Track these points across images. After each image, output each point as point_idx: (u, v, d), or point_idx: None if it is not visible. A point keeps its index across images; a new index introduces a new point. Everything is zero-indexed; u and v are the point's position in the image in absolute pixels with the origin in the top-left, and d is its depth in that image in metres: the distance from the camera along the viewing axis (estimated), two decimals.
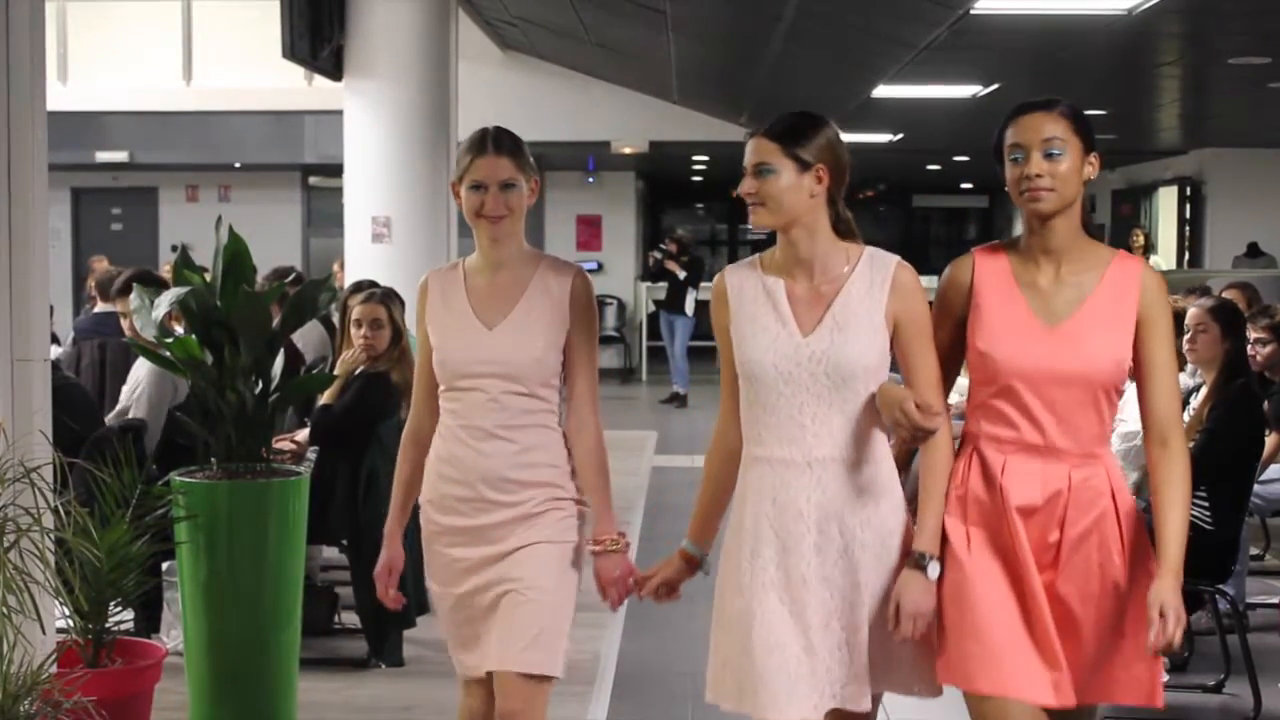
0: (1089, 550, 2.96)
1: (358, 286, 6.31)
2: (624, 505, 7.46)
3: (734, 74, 12.67)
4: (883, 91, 11.20)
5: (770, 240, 3.11)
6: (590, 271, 9.60)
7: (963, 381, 3.15)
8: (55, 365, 5.14)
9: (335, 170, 10.24)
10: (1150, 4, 7.25)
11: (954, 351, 3.09)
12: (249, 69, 14.90)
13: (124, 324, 6.32)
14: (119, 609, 4.26)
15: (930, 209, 26.87)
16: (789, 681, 2.91)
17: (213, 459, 4.65)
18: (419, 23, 9.42)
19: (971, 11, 7.50)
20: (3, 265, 4.15)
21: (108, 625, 4.14)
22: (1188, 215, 17.55)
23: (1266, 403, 5.78)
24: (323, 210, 17.13)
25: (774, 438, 2.99)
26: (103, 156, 15.98)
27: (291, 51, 9.13)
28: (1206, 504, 4.94)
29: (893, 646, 2.97)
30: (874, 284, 2.99)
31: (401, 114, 9.37)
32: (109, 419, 5.96)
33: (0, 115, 4.15)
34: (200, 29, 15.69)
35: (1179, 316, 5.01)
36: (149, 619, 5.46)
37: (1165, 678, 3.10)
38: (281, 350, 4.86)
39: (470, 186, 3.29)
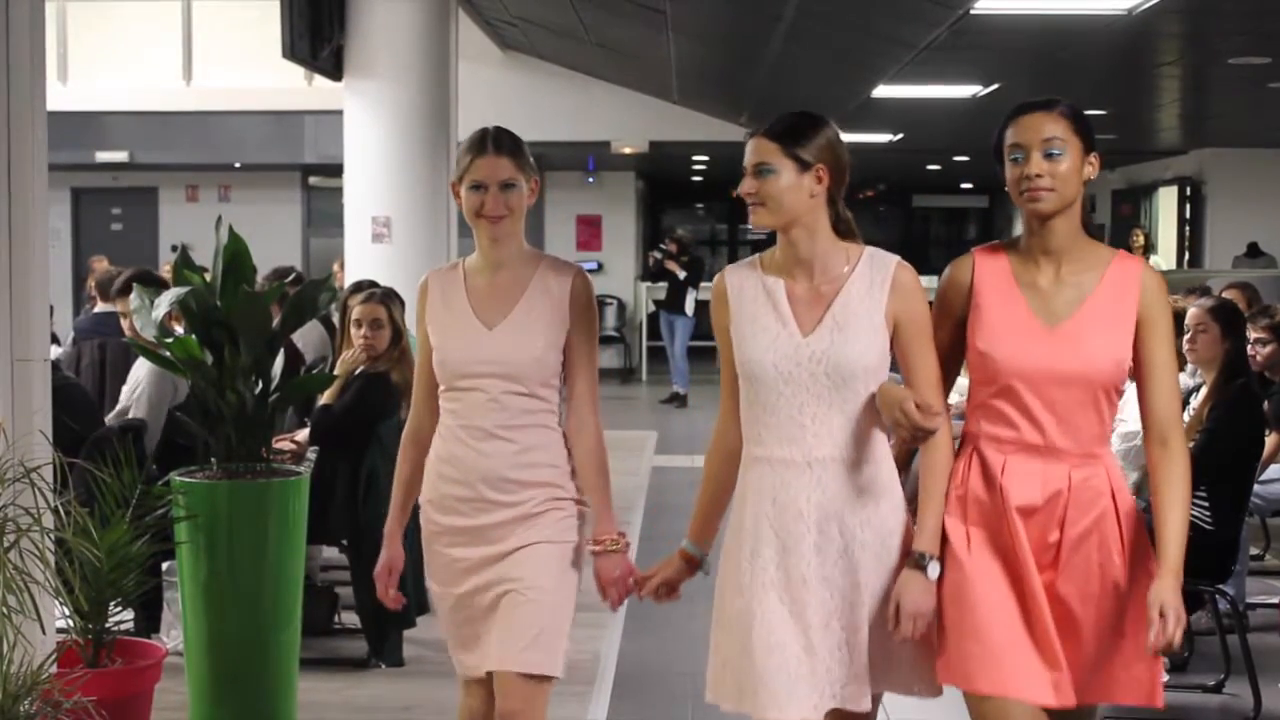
0: (1089, 550, 2.96)
1: (358, 286, 6.31)
2: (624, 505, 7.46)
3: (734, 74, 12.67)
4: (883, 91, 11.20)
5: (770, 240, 3.10)
6: (590, 271, 9.61)
7: (963, 381, 3.15)
8: (55, 365, 5.13)
9: (335, 170, 10.23)
10: (1150, 4, 7.24)
11: (954, 351, 3.08)
12: (249, 69, 14.89)
13: (124, 324, 6.31)
14: (119, 609, 4.26)
15: (930, 209, 26.87)
16: (789, 681, 2.91)
17: (213, 459, 4.65)
18: (419, 23, 9.42)
19: (971, 11, 7.50)
20: (3, 265, 4.15)
21: (108, 625, 4.13)
22: (1188, 215, 17.55)
23: (1266, 403, 5.78)
24: (323, 210, 17.12)
25: (774, 438, 2.99)
26: (103, 156, 15.98)
27: (291, 51, 9.13)
28: (1206, 504, 4.93)
29: (893, 646, 2.97)
30: (874, 284, 2.99)
31: (401, 114, 9.37)
32: (109, 419, 5.96)
33: (0, 115, 4.15)
34: (200, 29, 15.68)
35: (1179, 316, 5.01)
36: (149, 619, 5.46)
37: (1165, 678, 3.09)
38: (281, 350, 4.86)
39: (470, 186, 3.29)
